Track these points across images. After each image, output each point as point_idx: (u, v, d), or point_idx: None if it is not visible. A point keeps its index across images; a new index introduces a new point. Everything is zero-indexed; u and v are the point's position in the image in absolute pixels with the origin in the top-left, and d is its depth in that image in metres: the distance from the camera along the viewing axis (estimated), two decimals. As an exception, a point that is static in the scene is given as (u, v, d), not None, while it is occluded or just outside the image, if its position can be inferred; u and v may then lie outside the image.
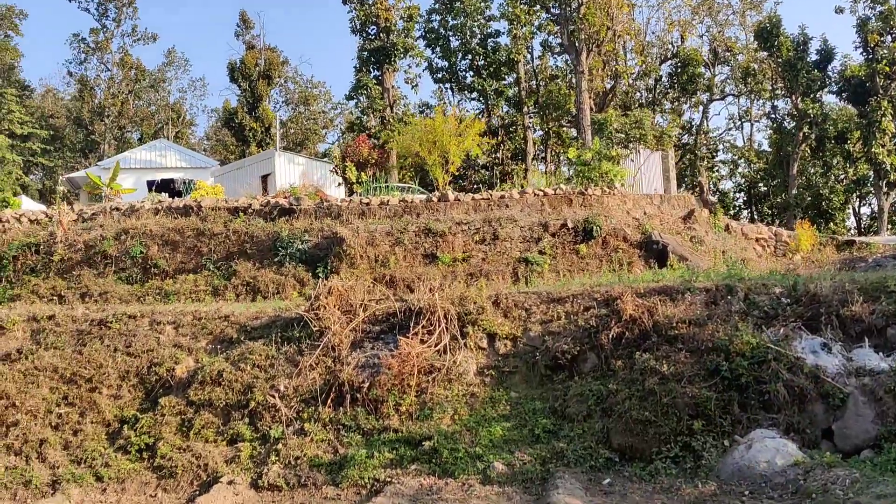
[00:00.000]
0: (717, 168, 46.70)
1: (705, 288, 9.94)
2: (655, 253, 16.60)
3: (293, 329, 11.06)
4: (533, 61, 42.03)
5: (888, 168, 33.37)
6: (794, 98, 35.72)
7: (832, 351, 8.13)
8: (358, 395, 9.74)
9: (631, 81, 40.92)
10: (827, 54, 35.59)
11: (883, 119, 32.58)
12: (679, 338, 8.84)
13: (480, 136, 21.31)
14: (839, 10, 34.24)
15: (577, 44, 31.42)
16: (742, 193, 47.63)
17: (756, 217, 45.16)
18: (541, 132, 42.31)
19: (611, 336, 9.35)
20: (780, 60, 34.99)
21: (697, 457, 7.65)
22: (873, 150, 33.01)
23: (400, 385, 9.73)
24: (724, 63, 42.02)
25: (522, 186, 17.86)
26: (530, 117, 40.21)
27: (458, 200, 17.76)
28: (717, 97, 44.06)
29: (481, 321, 10.42)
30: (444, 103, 43.94)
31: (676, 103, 41.43)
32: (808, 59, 35.23)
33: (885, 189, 34.51)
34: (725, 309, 9.27)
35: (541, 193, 18.09)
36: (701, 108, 43.85)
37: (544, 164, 42.88)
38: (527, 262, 15.87)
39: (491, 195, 17.98)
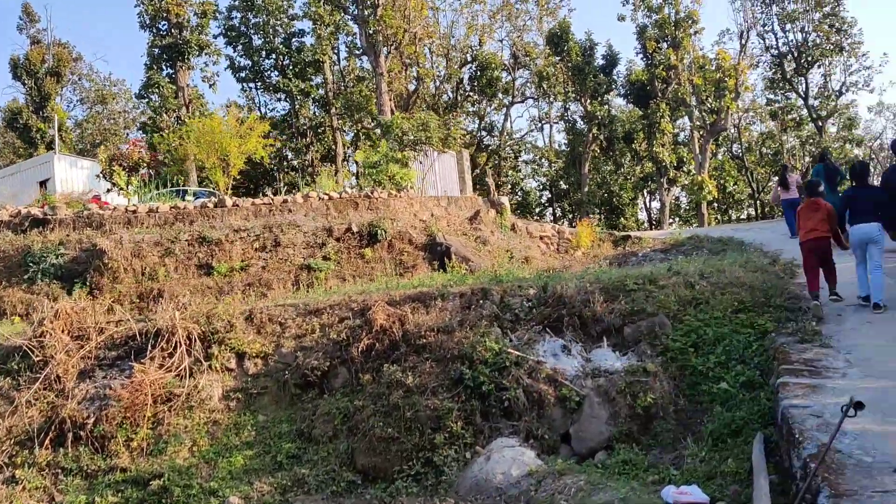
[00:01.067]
0: (519, 168, 48.50)
1: (460, 293, 9.75)
2: (439, 255, 16.53)
3: (13, 360, 9.61)
4: (340, 62, 41.41)
5: (668, 165, 36.18)
6: (583, 101, 37.75)
7: (572, 353, 8.16)
8: (82, 433, 8.55)
9: (438, 84, 41.49)
10: (612, 59, 38.00)
11: (662, 120, 35.25)
12: (427, 347, 8.52)
13: (265, 138, 20.27)
14: (621, 18, 36.64)
15: (375, 45, 31.17)
16: (546, 192, 49.91)
17: (558, 214, 47.63)
18: (351, 134, 41.83)
19: (360, 348, 8.87)
20: (570, 65, 36.85)
21: (439, 472, 7.32)
22: (655, 149, 35.65)
23: (132, 417, 8.67)
24: (524, 67, 43.68)
25: (307, 192, 17.13)
26: (339, 118, 39.53)
27: (237, 206, 16.69)
28: (518, 100, 45.75)
29: (229, 340, 9.56)
30: (250, 104, 42.31)
31: (478, 106, 42.39)
32: (595, 64, 37.39)
33: (665, 185, 37.40)
34: (477, 314, 9.11)
35: (326, 197, 17.46)
36: (504, 110, 45.43)
37: (357, 165, 42.36)
38: (310, 269, 15.18)
39: (273, 200, 17.08)
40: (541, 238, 20.60)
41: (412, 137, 19.57)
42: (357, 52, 39.06)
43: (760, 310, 8.15)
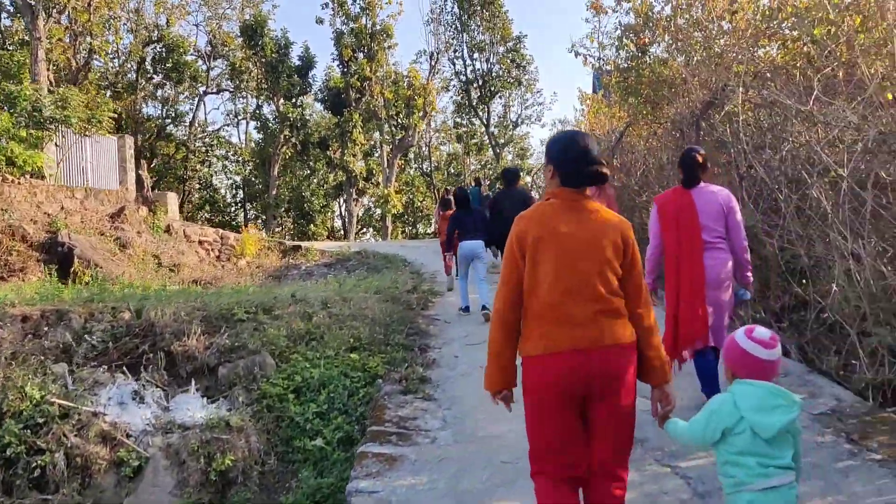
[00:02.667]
0: (210, 163, 45.28)
1: (24, 315, 7.62)
2: (60, 257, 13.81)
3: None
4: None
5: (357, 176, 36.01)
6: (276, 100, 36.13)
7: (146, 400, 6.54)
8: None
9: (122, 62, 36.96)
10: (308, 61, 36.87)
11: (354, 130, 34.93)
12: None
13: None
14: (319, 21, 35.91)
15: (32, 4, 26.40)
16: (239, 191, 47.23)
17: (251, 216, 45.26)
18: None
19: None
20: (264, 60, 35.03)
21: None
22: (346, 158, 35.22)
23: None
24: (223, 57, 40.74)
25: None
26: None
27: None
28: (213, 90, 42.66)
29: None
30: None
31: (164, 91, 38.60)
32: (291, 64, 35.98)
33: (355, 195, 37.22)
34: (39, 345, 7.08)
35: None
36: (196, 99, 42.02)
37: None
38: None
39: None
40: (200, 243, 18.57)
41: (48, 114, 16.33)
42: (7, 10, 33.14)
43: (377, 348, 7.29)
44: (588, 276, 2.81)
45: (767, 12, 9.05)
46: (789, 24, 8.92)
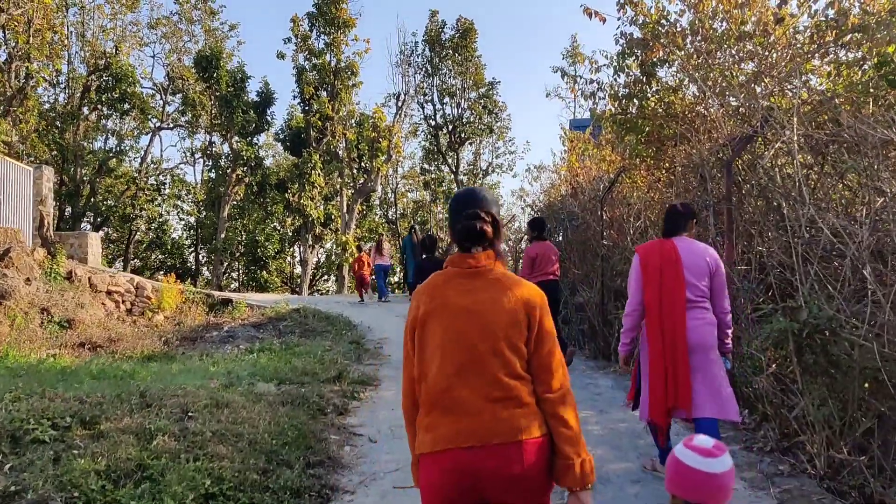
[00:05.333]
0: (159, 202, 42.26)
1: None
2: None
3: None
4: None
5: (314, 221, 33.36)
6: (229, 136, 33.58)
7: None
8: None
9: (64, 87, 34.37)
10: (267, 97, 34.46)
11: (313, 172, 32.42)
12: None
13: None
14: (281, 56, 33.37)
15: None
16: (192, 232, 44.21)
17: (203, 259, 42.19)
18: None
19: None
20: (218, 94, 32.56)
21: None
22: (303, 201, 32.61)
23: None
24: (181, 92, 38.19)
25: None
26: None
27: None
28: (168, 126, 40.02)
29: None
30: None
31: (108, 121, 35.90)
32: (247, 99, 33.58)
33: (311, 242, 34.48)
34: None
35: None
36: (150, 134, 39.32)
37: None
38: None
39: None
40: (109, 294, 15.65)
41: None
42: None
43: (249, 497, 4.55)
44: (482, 355, 2.34)
45: (822, 24, 6.73)
46: (854, 40, 6.60)
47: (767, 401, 5.71)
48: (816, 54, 6.92)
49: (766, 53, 7.42)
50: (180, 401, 5.75)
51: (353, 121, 33.37)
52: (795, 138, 5.74)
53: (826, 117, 6.35)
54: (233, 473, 4.69)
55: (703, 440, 2.24)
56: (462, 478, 2.26)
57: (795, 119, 5.79)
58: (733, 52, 7.64)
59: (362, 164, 33.45)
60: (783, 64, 7.13)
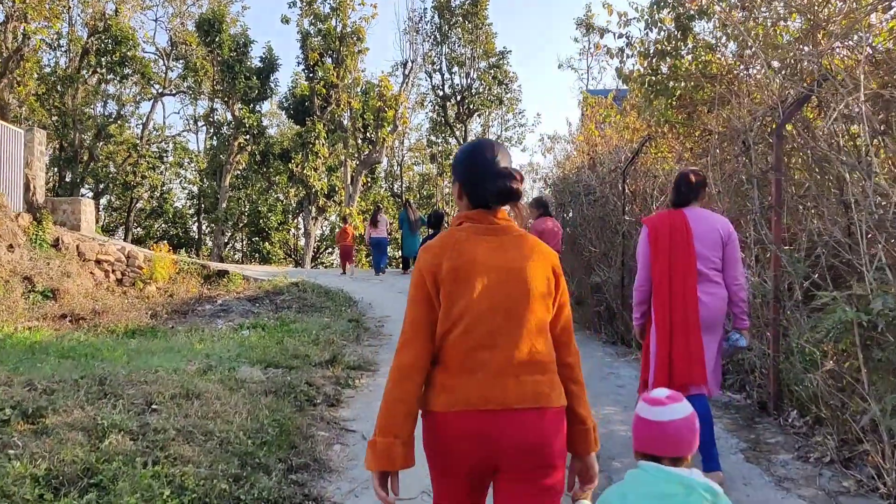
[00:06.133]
0: (161, 169, 41.41)
1: None
2: None
3: None
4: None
5: (318, 192, 32.54)
6: (231, 103, 32.66)
7: None
8: None
9: (64, 48, 33.60)
10: (270, 63, 33.43)
11: (317, 142, 31.54)
12: None
13: None
14: (285, 20, 32.32)
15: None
16: (195, 201, 43.40)
17: (205, 230, 41.47)
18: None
19: None
20: (220, 59, 31.59)
21: None
22: (307, 171, 31.77)
23: None
24: (185, 58, 37.20)
25: None
26: None
27: None
28: (170, 92, 39.09)
29: None
30: None
31: (108, 85, 35.02)
32: (250, 65, 32.60)
33: (314, 213, 33.68)
34: None
35: None
36: (152, 100, 38.43)
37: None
38: None
39: None
40: (98, 263, 14.93)
41: None
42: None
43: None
44: (516, 315, 2.21)
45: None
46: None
47: (823, 402, 4.94)
48: (880, 5, 6.03)
49: (818, 7, 6.55)
50: (145, 389, 5.01)
51: (358, 89, 32.39)
52: (863, 97, 4.92)
53: (887, 79, 5.52)
54: (197, 481, 3.94)
55: (657, 391, 2.14)
56: (480, 444, 2.15)
57: (862, 77, 4.95)
58: (780, 5, 6.75)
59: (367, 134, 32.50)
60: (837, 18, 6.27)
